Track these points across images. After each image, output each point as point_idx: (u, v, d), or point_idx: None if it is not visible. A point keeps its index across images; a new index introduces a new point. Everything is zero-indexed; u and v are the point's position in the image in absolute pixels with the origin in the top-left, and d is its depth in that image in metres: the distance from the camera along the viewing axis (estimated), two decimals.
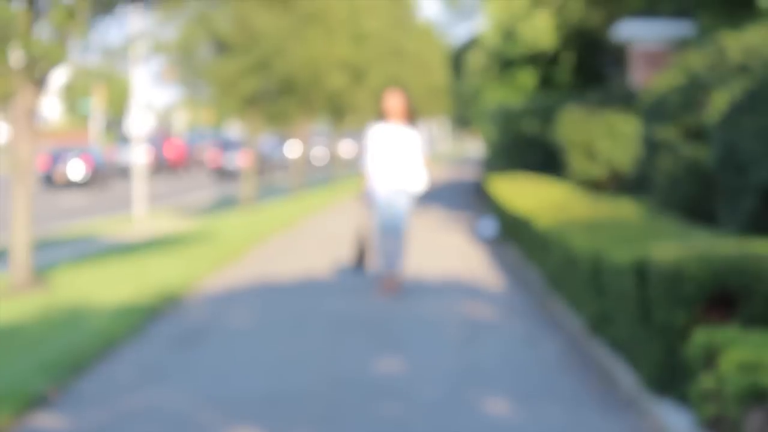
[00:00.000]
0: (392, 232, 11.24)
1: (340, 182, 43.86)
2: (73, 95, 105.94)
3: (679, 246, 6.92)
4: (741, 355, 5.36)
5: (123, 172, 44.08)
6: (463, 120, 34.65)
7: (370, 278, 12.02)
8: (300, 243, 17.90)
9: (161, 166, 49.96)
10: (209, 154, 53.06)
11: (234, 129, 79.67)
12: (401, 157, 11.16)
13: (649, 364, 6.60)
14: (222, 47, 29.33)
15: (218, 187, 43.92)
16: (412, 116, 11.29)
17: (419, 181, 11.39)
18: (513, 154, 21.24)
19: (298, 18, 30.29)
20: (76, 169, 40.85)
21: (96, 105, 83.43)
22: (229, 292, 12.05)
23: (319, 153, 66.25)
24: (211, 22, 28.79)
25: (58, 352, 8.20)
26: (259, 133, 31.49)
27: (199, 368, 8.04)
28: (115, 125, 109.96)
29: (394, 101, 11.19)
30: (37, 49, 12.18)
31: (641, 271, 6.74)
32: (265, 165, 52.89)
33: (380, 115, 11.32)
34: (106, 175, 42.70)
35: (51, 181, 40.89)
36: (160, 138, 55.30)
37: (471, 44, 29.28)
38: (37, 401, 6.87)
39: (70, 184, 40.86)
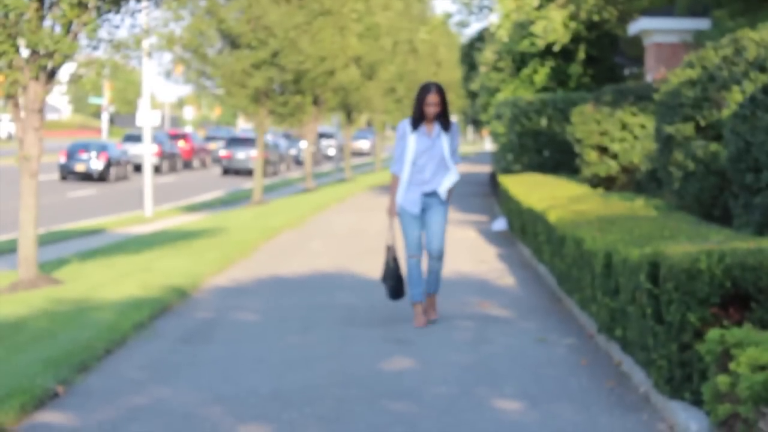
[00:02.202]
0: (429, 254, 9.69)
1: (351, 180, 43.81)
2: (82, 90, 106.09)
3: (693, 244, 6.84)
4: (755, 355, 5.29)
5: (136, 167, 44.08)
6: (475, 121, 34.57)
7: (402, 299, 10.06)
8: (307, 240, 17.85)
9: (173, 162, 49.89)
10: (218, 151, 53.07)
11: (245, 125, 79.76)
12: (438, 161, 9.60)
13: (662, 363, 6.51)
14: (232, 42, 29.29)
15: (227, 183, 43.91)
16: (447, 112, 9.67)
17: (451, 183, 9.70)
18: (524, 150, 21.14)
19: (310, 12, 30.20)
20: (93, 163, 40.92)
21: (107, 100, 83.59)
22: (237, 288, 11.99)
23: (331, 150, 66.31)
24: (221, 16, 28.75)
25: (65, 348, 8.15)
26: (267, 129, 31.43)
27: (206, 364, 7.99)
28: (124, 120, 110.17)
29: (432, 97, 9.55)
30: (47, 42, 12.14)
31: (654, 270, 6.65)
32: (279, 162, 52.96)
33: (416, 112, 9.58)
34: (121, 169, 42.77)
35: (68, 175, 40.95)
36: (170, 133, 55.34)
37: (483, 39, 29.17)
38: (44, 398, 6.82)
39: (87, 178, 40.92)
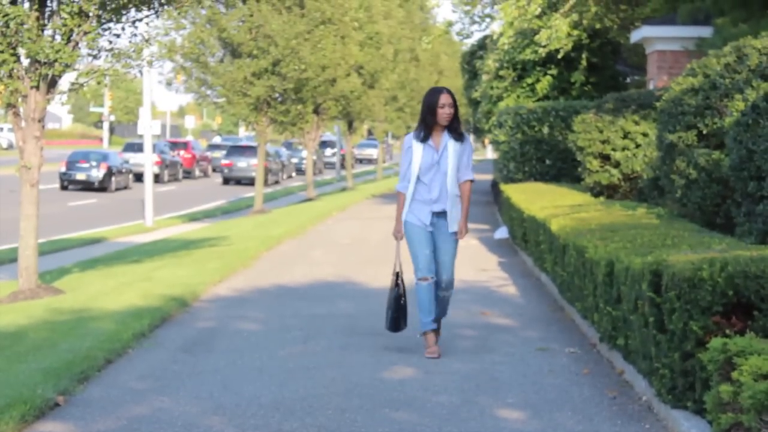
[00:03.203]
0: (437, 284, 8.78)
1: (353, 189, 43.80)
2: (83, 99, 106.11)
3: (695, 253, 6.81)
4: (758, 364, 5.25)
5: (137, 176, 44.09)
6: (477, 129, 34.54)
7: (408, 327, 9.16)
8: (308, 248, 17.83)
9: (174, 171, 49.92)
10: (219, 160, 53.11)
11: (246, 134, 79.88)
12: (450, 176, 8.60)
13: (665, 372, 6.48)
14: (233, 51, 29.30)
15: (228, 192, 43.91)
16: (459, 120, 8.74)
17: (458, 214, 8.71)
18: (526, 159, 21.12)
19: (311, 21, 30.22)
20: (94, 173, 40.93)
21: (107, 109, 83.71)
22: (238, 298, 11.97)
23: (333, 158, 66.48)
24: (222, 25, 28.76)
25: (65, 358, 8.12)
26: (268, 138, 31.42)
27: (207, 374, 7.95)
28: (125, 129, 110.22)
29: (446, 97, 8.60)
30: (47, 52, 12.13)
31: (656, 279, 6.62)
32: (281, 170, 53.04)
33: (425, 119, 8.61)
34: (121, 178, 42.77)
35: (69, 184, 40.95)
36: (171, 142, 55.46)
37: (484, 47, 29.17)
38: (44, 408, 6.79)
39: (87, 187, 40.92)
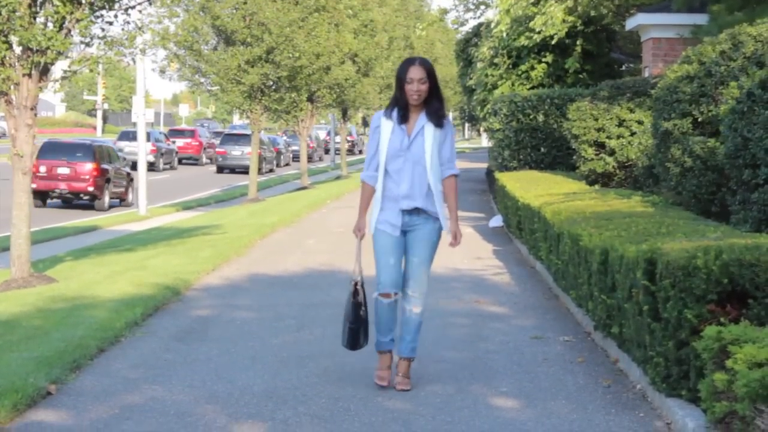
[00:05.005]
0: (404, 300, 7.16)
1: (347, 177, 43.80)
2: (76, 87, 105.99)
3: (690, 241, 6.78)
4: (752, 352, 5.23)
5: (132, 165, 43.99)
6: (472, 117, 34.49)
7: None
8: (302, 235, 17.80)
9: (168, 159, 49.90)
10: (212, 148, 53.31)
11: (241, 122, 79.95)
12: (419, 167, 7.05)
13: (659, 360, 6.46)
14: (227, 38, 29.23)
15: (223, 180, 43.88)
16: (440, 99, 7.13)
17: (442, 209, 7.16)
18: (520, 147, 21.09)
19: (305, 9, 30.14)
20: None
21: (101, 98, 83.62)
22: (232, 286, 11.94)
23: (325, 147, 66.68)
24: (216, 12, 28.68)
25: (58, 347, 8.09)
26: (262, 126, 31.37)
27: (200, 363, 7.93)
28: (118, 117, 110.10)
29: (415, 71, 6.99)
30: (39, 39, 12.07)
31: (651, 267, 6.60)
32: (278, 158, 53.13)
33: (395, 96, 7.11)
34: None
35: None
36: (177, 129, 56.12)
37: (479, 35, 29.11)
38: (36, 397, 6.76)
39: None
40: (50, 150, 28.25)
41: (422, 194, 7.04)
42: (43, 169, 27.40)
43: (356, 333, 7.13)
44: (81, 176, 27.68)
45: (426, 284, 7.14)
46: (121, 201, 30.15)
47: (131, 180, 30.70)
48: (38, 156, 25.36)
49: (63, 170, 27.98)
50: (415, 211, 7.07)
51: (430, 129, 7.04)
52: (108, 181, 28.72)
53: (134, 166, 41.82)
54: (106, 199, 28.69)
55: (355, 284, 7.11)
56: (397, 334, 7.21)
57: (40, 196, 27.80)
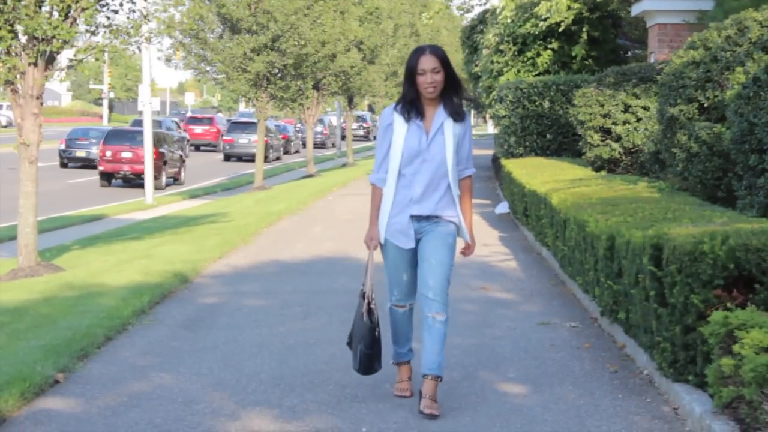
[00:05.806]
0: (423, 307, 6.32)
1: (353, 165, 43.76)
2: (82, 76, 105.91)
3: (696, 226, 6.78)
4: (759, 337, 5.24)
5: None
6: (478, 104, 34.40)
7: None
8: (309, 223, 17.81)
9: (179, 146, 50.18)
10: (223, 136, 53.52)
11: (247, 110, 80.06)
12: (436, 169, 6.26)
13: (666, 346, 6.47)
14: (232, 26, 29.20)
15: (229, 168, 43.89)
16: (458, 88, 6.29)
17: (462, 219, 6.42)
18: (526, 133, 21.05)
19: None
20: (94, 150, 40.74)
21: (107, 87, 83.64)
22: (239, 274, 11.95)
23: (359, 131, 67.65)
24: (221, 0, 28.64)
25: (65, 335, 8.11)
26: (268, 114, 31.37)
27: (207, 350, 7.94)
28: (124, 106, 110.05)
29: (427, 61, 6.17)
30: (45, 28, 12.07)
31: (657, 252, 6.60)
32: (286, 145, 53.29)
33: (405, 91, 6.26)
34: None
35: (68, 161, 40.81)
36: (195, 117, 56.83)
37: (485, 21, 29.05)
38: (44, 385, 6.78)
39: (87, 165, 40.79)
40: (114, 137, 33.25)
41: (437, 199, 6.29)
42: (108, 153, 32.07)
43: (371, 358, 6.44)
44: (142, 159, 30.07)
45: (447, 287, 6.32)
46: (174, 180, 34.09)
47: (183, 161, 34.97)
48: (104, 142, 32.72)
49: (126, 154, 32.24)
50: (426, 218, 6.33)
51: (449, 125, 6.25)
52: (165, 163, 32.43)
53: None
54: (164, 179, 32.32)
55: (368, 303, 6.38)
56: (412, 344, 6.66)
57: (106, 177, 32.44)
